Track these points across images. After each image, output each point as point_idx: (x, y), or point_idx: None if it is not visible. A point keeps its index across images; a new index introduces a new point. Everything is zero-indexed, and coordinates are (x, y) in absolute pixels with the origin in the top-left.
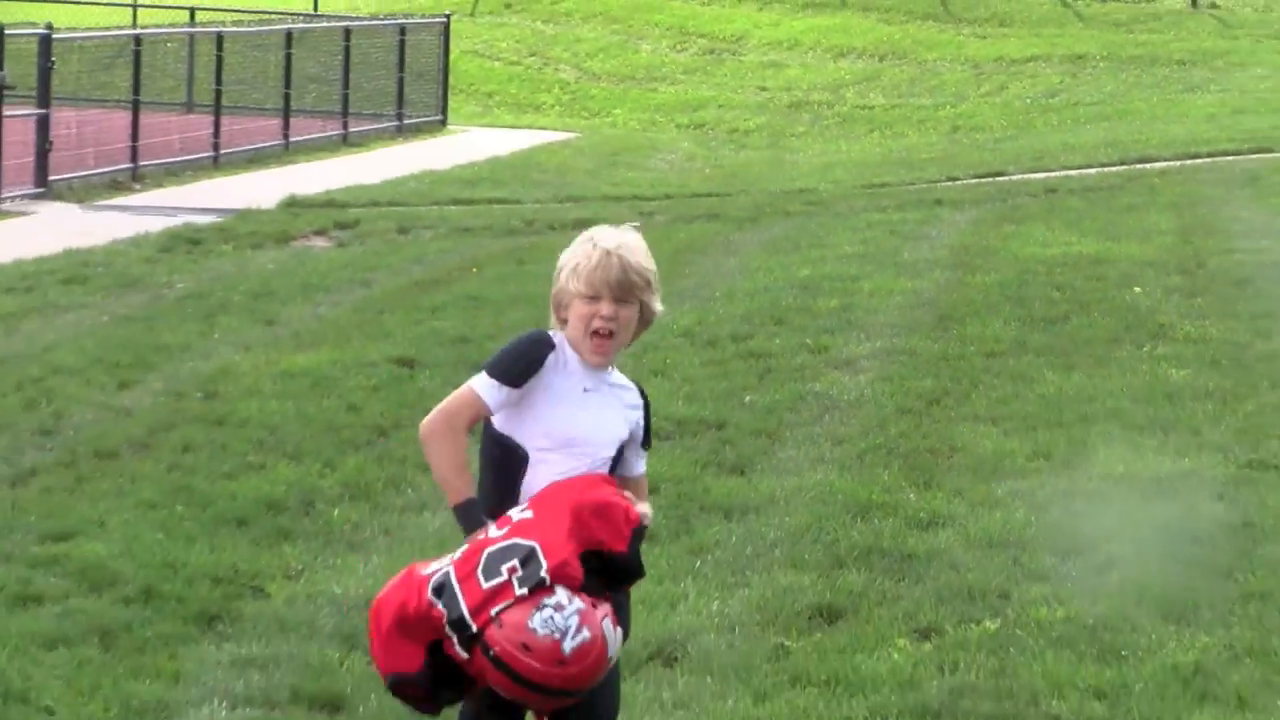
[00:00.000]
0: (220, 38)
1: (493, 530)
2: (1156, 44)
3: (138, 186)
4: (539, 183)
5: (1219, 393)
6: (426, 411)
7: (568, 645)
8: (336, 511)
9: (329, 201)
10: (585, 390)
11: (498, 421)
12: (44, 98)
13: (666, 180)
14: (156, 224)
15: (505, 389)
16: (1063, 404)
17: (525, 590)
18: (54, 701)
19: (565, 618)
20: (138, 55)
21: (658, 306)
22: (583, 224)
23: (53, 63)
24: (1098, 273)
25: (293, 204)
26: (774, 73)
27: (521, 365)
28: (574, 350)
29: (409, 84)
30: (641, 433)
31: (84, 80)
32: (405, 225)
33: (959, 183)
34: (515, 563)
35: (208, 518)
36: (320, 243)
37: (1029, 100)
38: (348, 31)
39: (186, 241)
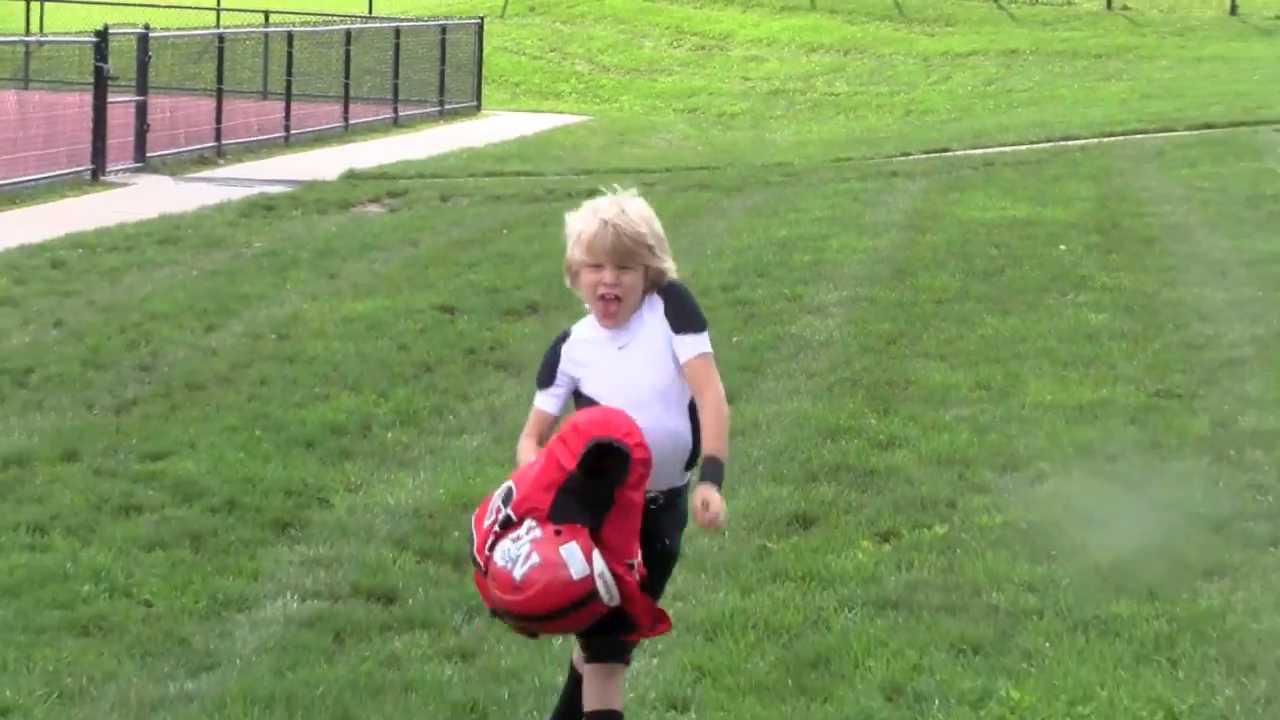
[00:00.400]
0: (290, 36)
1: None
2: (1077, 40)
3: (221, 162)
4: (558, 158)
5: (1131, 334)
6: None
7: (517, 572)
8: (389, 434)
9: (382, 174)
10: (620, 349)
11: (586, 392)
12: (142, 87)
13: (666, 156)
14: (237, 193)
15: (545, 392)
16: (1000, 343)
17: (499, 529)
18: (153, 595)
19: (518, 546)
20: (221, 51)
21: (664, 266)
22: (596, 193)
23: (149, 57)
24: (1028, 233)
25: (351, 176)
26: (755, 65)
27: (544, 370)
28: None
29: (449, 75)
30: (673, 328)
31: (176, 72)
32: (446, 194)
33: (911, 157)
34: (499, 502)
35: (281, 440)
36: (375, 209)
37: (970, 88)
38: (397, 30)
39: (262, 208)
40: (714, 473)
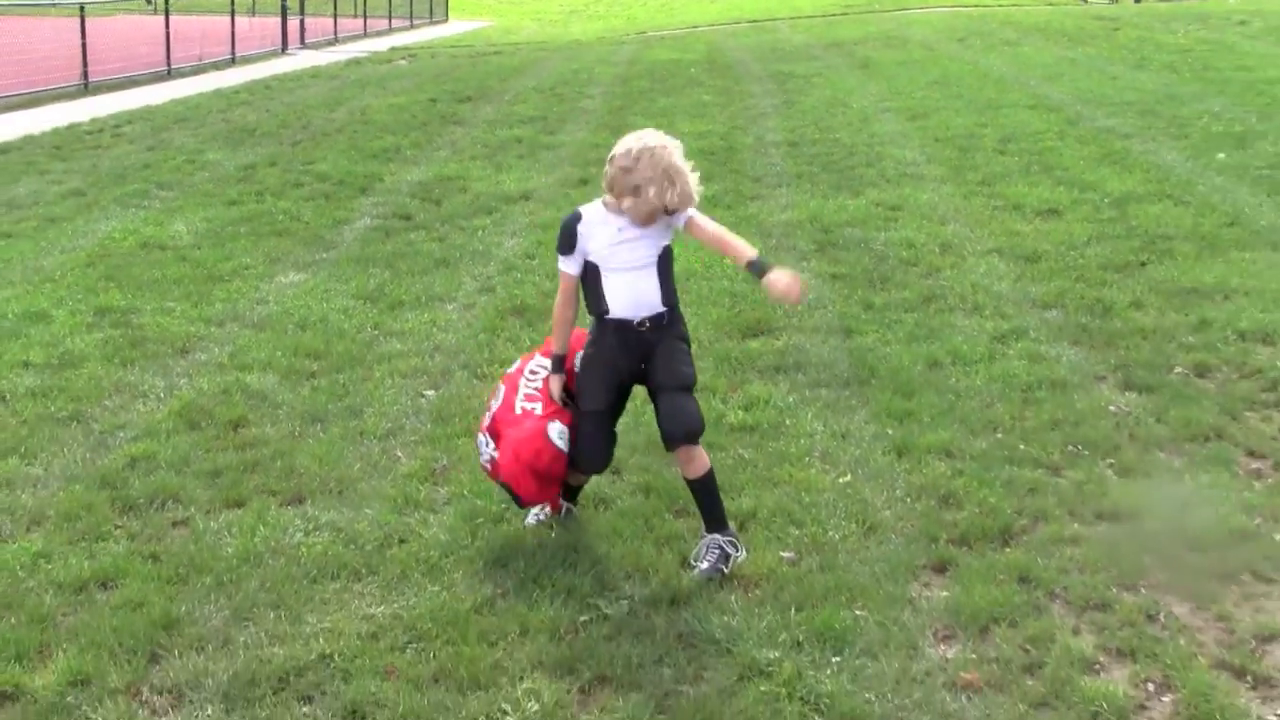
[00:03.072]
0: None
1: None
2: None
3: (337, 44)
4: (481, 39)
5: (719, 104)
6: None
7: (484, 457)
8: (408, 151)
9: (405, 47)
10: (619, 230)
11: (590, 259)
12: (301, 10)
13: (527, 39)
14: (343, 57)
15: (566, 257)
16: (613, 110)
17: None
18: (308, 219)
19: (488, 450)
20: None
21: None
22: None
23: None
24: (678, 64)
25: (393, 49)
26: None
27: (563, 239)
28: (616, 210)
29: (434, 4)
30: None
31: (318, 6)
32: (434, 54)
33: (630, 36)
34: (492, 401)
35: (363, 154)
36: (402, 63)
37: (655, 7)
38: None
39: (355, 63)
40: (764, 263)
